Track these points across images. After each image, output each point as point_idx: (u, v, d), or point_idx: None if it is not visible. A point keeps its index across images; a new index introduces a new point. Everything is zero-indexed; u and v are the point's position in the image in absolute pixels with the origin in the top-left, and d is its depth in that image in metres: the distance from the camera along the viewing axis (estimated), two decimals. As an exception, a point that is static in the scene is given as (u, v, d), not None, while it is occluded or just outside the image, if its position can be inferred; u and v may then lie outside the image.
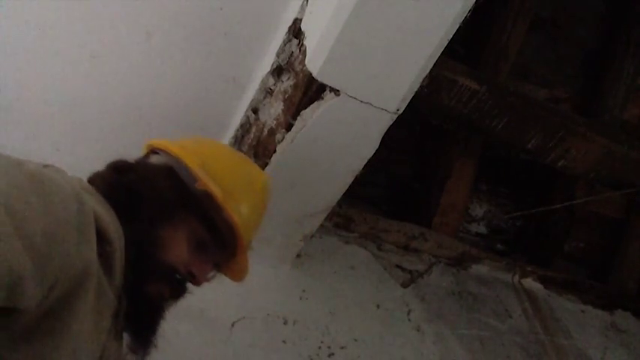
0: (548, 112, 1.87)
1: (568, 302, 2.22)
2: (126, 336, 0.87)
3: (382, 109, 1.23)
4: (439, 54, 1.18)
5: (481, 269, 2.11)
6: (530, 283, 2.19)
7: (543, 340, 1.97)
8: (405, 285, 1.87)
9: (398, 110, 1.25)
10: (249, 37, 1.39)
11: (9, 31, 1.31)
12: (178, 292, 0.90)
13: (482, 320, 1.91)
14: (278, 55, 1.35)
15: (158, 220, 0.84)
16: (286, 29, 1.33)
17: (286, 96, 1.31)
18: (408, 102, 1.25)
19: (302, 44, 1.26)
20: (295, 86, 1.27)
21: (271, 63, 1.37)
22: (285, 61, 1.33)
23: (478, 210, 2.33)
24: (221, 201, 0.87)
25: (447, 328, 1.80)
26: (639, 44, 2.23)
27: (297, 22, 1.30)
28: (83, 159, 1.42)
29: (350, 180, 1.41)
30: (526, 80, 2.22)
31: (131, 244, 0.78)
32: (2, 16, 1.29)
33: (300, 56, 1.25)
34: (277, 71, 1.37)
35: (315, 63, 1.17)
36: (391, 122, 1.27)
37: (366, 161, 1.36)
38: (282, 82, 1.35)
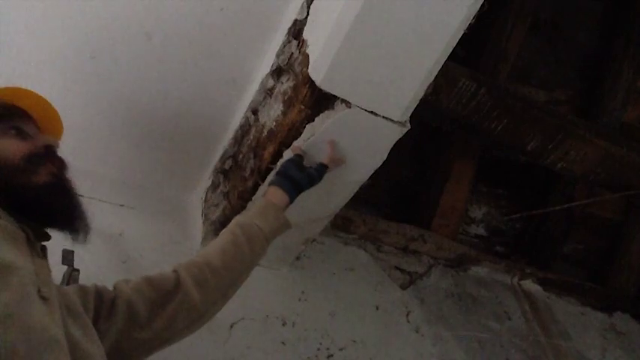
0: (547, 114, 1.88)
1: (567, 304, 2.22)
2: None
3: (387, 117, 1.21)
4: (443, 61, 1.16)
5: (480, 271, 2.11)
6: (529, 284, 2.19)
7: (542, 342, 1.97)
8: (404, 286, 1.87)
9: (405, 121, 1.23)
10: (249, 38, 1.39)
11: (9, 31, 1.31)
12: (56, 160, 0.95)
13: (481, 322, 1.91)
14: (278, 56, 1.35)
15: None
16: (286, 30, 1.33)
17: (286, 97, 1.30)
18: (412, 110, 1.23)
19: (302, 45, 1.26)
20: (295, 88, 1.27)
21: (271, 64, 1.37)
22: (285, 62, 1.33)
23: (477, 212, 2.33)
24: None
25: (446, 330, 1.80)
26: (638, 47, 2.23)
27: (296, 23, 1.30)
28: (83, 158, 1.43)
29: (355, 189, 1.39)
30: (525, 82, 2.23)
31: None
32: (2, 16, 1.29)
33: (300, 57, 1.25)
34: (277, 72, 1.37)
35: (318, 72, 1.16)
36: (401, 135, 1.25)
37: (372, 172, 1.34)
38: (282, 83, 1.35)
